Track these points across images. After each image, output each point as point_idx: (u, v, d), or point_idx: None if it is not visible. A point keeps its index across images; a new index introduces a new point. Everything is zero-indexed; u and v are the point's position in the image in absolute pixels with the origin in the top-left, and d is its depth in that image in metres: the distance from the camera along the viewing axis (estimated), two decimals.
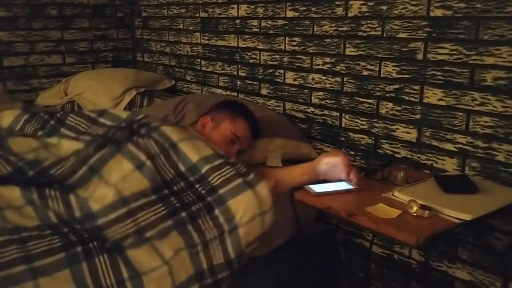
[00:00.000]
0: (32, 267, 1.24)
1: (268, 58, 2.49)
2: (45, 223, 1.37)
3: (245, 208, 1.48)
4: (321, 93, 2.23)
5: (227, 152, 1.81)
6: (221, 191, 1.49)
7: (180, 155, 1.56)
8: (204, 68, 2.97)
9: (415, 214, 1.40)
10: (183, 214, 1.45)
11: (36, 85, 3.31)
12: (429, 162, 1.86)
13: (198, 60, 3.00)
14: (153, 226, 1.39)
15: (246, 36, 2.60)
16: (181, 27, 3.10)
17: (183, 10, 3.06)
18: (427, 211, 1.39)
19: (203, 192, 1.51)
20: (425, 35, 1.81)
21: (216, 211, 1.48)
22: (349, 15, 2.06)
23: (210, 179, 1.52)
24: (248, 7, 2.55)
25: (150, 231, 1.38)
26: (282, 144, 2.13)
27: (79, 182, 1.45)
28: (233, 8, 2.65)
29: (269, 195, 1.53)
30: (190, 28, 3.02)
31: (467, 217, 1.37)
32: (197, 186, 1.53)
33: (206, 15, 2.86)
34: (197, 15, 2.94)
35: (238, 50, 2.67)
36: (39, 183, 1.44)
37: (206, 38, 2.90)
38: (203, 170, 1.54)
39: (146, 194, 1.44)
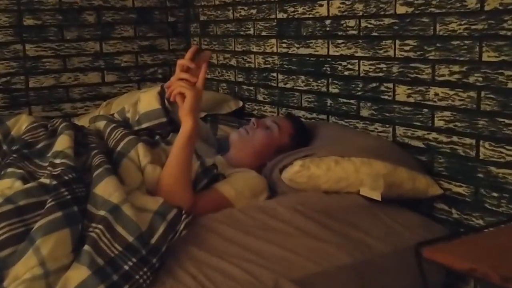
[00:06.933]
0: None
1: (370, 69, 2.36)
2: None
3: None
4: (448, 113, 2.07)
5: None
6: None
7: None
8: (281, 85, 2.93)
9: None
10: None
11: (69, 111, 3.35)
12: None
13: (274, 74, 2.96)
14: None
15: (340, 41, 2.49)
16: (251, 32, 3.06)
17: (253, 11, 3.02)
18: None
19: None
20: None
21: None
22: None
23: None
24: (343, 3, 2.46)
25: None
26: (386, 171, 2.06)
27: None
28: (321, 5, 2.58)
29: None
30: (263, 33, 2.99)
31: None
32: None
33: (285, 16, 2.82)
34: (273, 16, 2.90)
35: (328, 59, 2.58)
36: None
37: (284, 45, 2.85)
38: None
39: None
